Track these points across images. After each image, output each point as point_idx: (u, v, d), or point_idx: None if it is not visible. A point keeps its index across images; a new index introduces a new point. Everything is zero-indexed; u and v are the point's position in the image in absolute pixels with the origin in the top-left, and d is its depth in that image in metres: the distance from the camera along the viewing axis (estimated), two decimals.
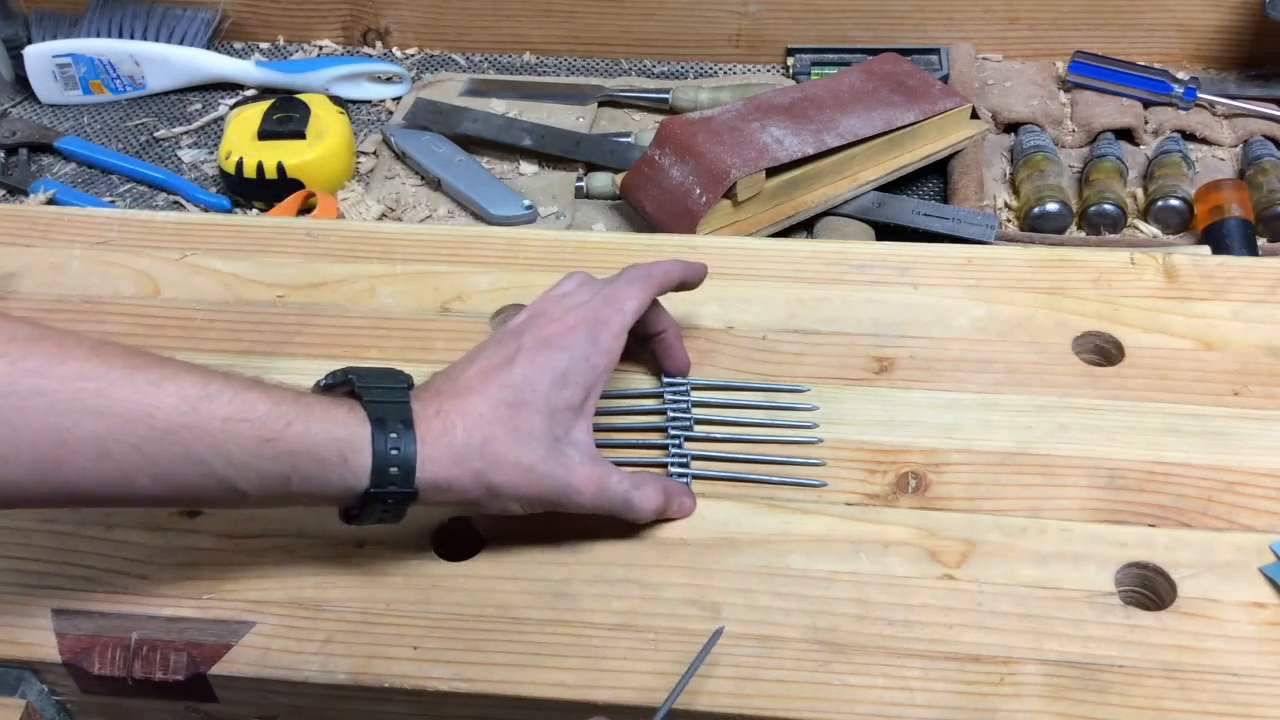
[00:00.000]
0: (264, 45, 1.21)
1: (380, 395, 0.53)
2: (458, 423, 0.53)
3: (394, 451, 0.51)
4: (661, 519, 0.59)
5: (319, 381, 0.56)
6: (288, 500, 0.52)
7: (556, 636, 0.54)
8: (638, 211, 0.93)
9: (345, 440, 0.51)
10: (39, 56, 1.11)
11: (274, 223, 0.81)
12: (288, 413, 0.50)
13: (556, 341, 0.57)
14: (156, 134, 1.09)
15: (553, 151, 1.02)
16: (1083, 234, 0.93)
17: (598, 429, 0.64)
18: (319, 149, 0.99)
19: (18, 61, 1.13)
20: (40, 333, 0.49)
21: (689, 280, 0.64)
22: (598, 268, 0.74)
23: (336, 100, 1.08)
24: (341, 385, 0.55)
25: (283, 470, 0.51)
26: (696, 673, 0.51)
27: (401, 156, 1.04)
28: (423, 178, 1.02)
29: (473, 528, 0.60)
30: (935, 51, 1.09)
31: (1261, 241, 0.90)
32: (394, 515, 0.54)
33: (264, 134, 0.99)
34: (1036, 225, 0.92)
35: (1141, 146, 1.01)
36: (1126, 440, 0.62)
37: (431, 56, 1.18)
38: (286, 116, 1.00)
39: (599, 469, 0.56)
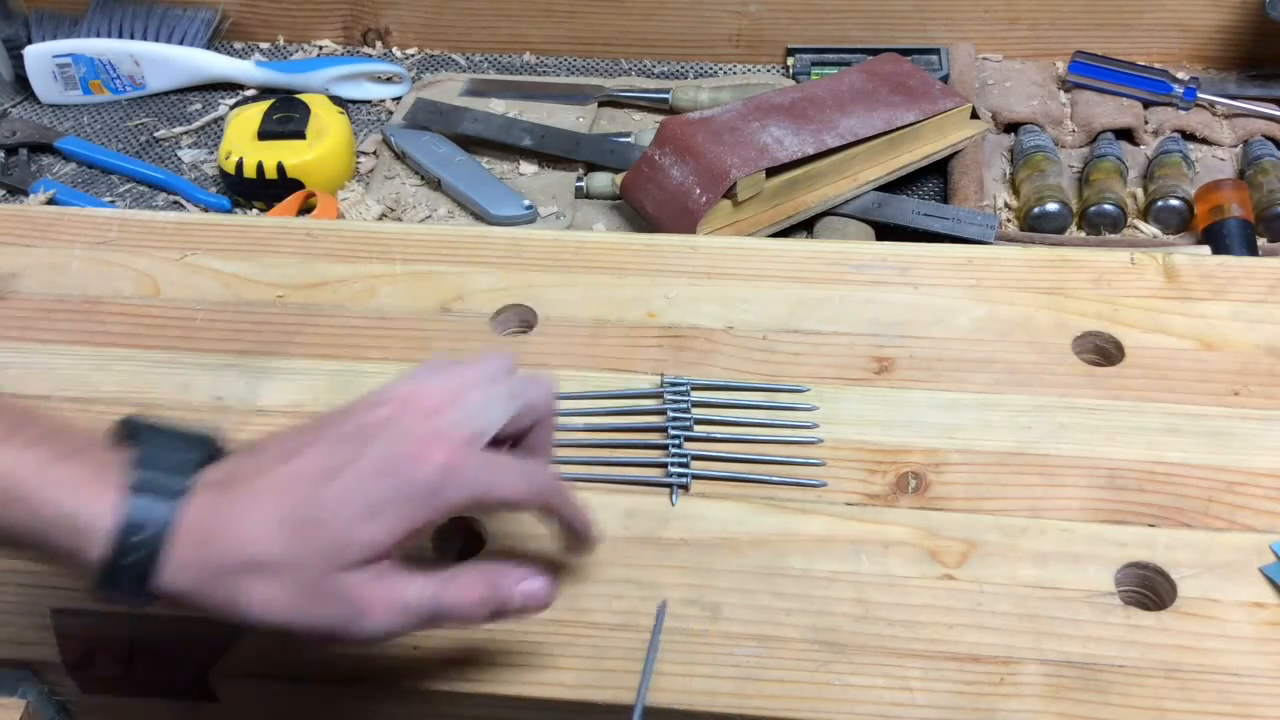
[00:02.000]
0: (264, 45, 1.21)
1: (154, 471, 0.45)
2: (225, 535, 0.45)
3: (132, 549, 0.43)
4: (498, 616, 0.48)
5: (115, 422, 0.48)
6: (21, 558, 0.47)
7: (557, 636, 0.54)
8: (638, 211, 0.93)
9: (78, 522, 0.43)
10: (39, 56, 1.11)
11: (274, 223, 0.81)
12: (14, 479, 0.43)
13: (395, 464, 0.46)
14: (156, 134, 1.09)
15: (553, 151, 1.02)
16: (1083, 234, 0.93)
17: (598, 429, 0.65)
18: (319, 149, 0.99)
19: (18, 61, 1.13)
20: None
21: (576, 535, 0.53)
22: (598, 267, 0.74)
23: (336, 100, 1.08)
24: (129, 438, 0.47)
25: (6, 538, 0.44)
26: (657, 659, 0.51)
27: (401, 156, 1.04)
28: (423, 178, 1.02)
29: (473, 528, 0.60)
30: (935, 51, 1.09)
31: (1261, 241, 0.90)
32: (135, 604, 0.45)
33: (264, 134, 0.99)
34: (1036, 225, 0.92)
35: (1141, 146, 1.01)
36: (1126, 440, 0.62)
37: (431, 56, 1.18)
38: (286, 116, 1.00)
39: (388, 584, 0.46)
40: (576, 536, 0.53)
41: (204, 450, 0.47)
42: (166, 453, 0.46)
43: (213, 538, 0.44)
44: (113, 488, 0.44)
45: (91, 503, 0.44)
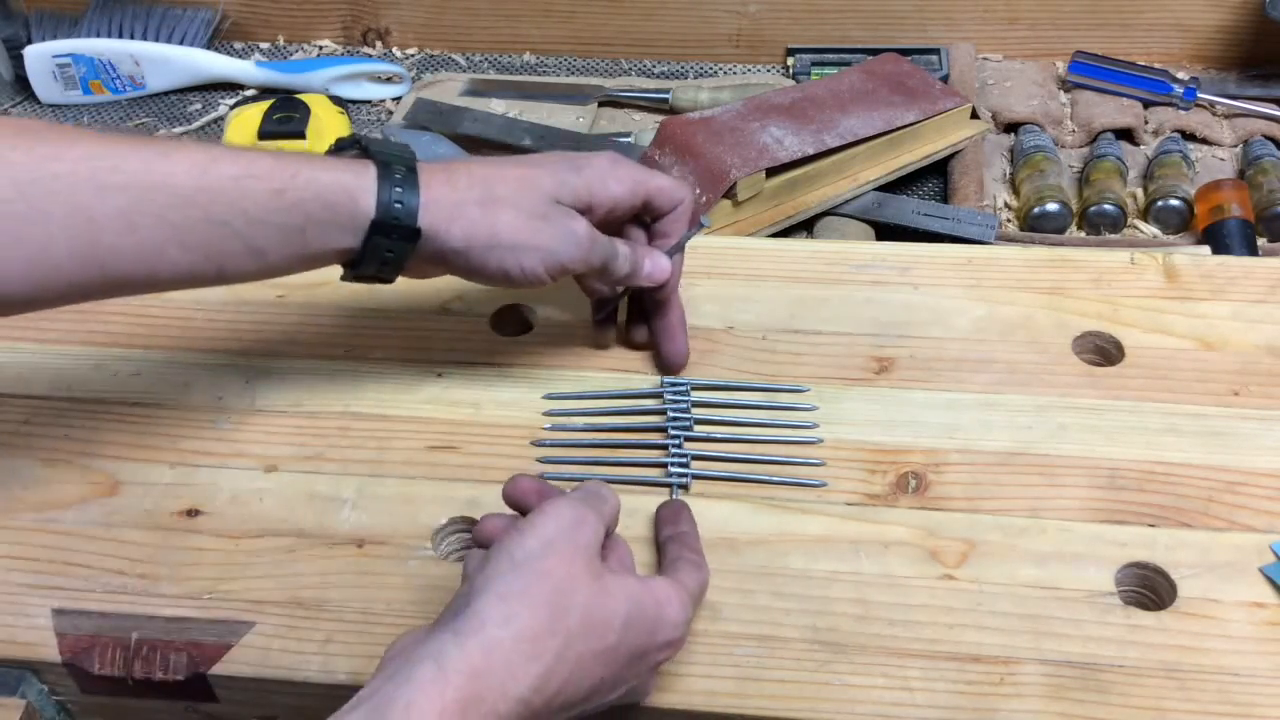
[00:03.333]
0: (264, 45, 1.21)
1: (387, 151, 0.57)
2: (462, 178, 0.57)
3: (398, 189, 0.55)
4: (633, 277, 0.63)
5: (330, 145, 0.60)
6: (305, 258, 0.56)
7: None
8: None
9: (352, 182, 0.55)
10: (39, 56, 1.11)
11: None
12: (292, 165, 0.54)
13: (586, 158, 0.62)
14: (157, 134, 1.09)
15: None
16: (1083, 234, 0.93)
17: (598, 429, 0.65)
18: (319, 149, 0.99)
19: (18, 61, 1.12)
20: (45, 124, 0.53)
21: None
22: None
23: (336, 100, 1.07)
24: (351, 148, 0.58)
25: (296, 220, 0.54)
26: None
27: None
28: (408, 149, 1.01)
29: (473, 528, 0.60)
30: (935, 51, 1.09)
31: (1261, 241, 0.90)
32: (395, 259, 0.57)
33: (264, 134, 0.99)
34: (1036, 225, 0.92)
35: (1141, 146, 1.01)
36: (1126, 440, 0.62)
37: (431, 56, 1.18)
38: (286, 116, 1.00)
39: (590, 230, 0.60)
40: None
41: (413, 151, 0.59)
42: (389, 144, 0.58)
43: (453, 182, 0.57)
44: (364, 164, 0.56)
45: (353, 169, 0.56)
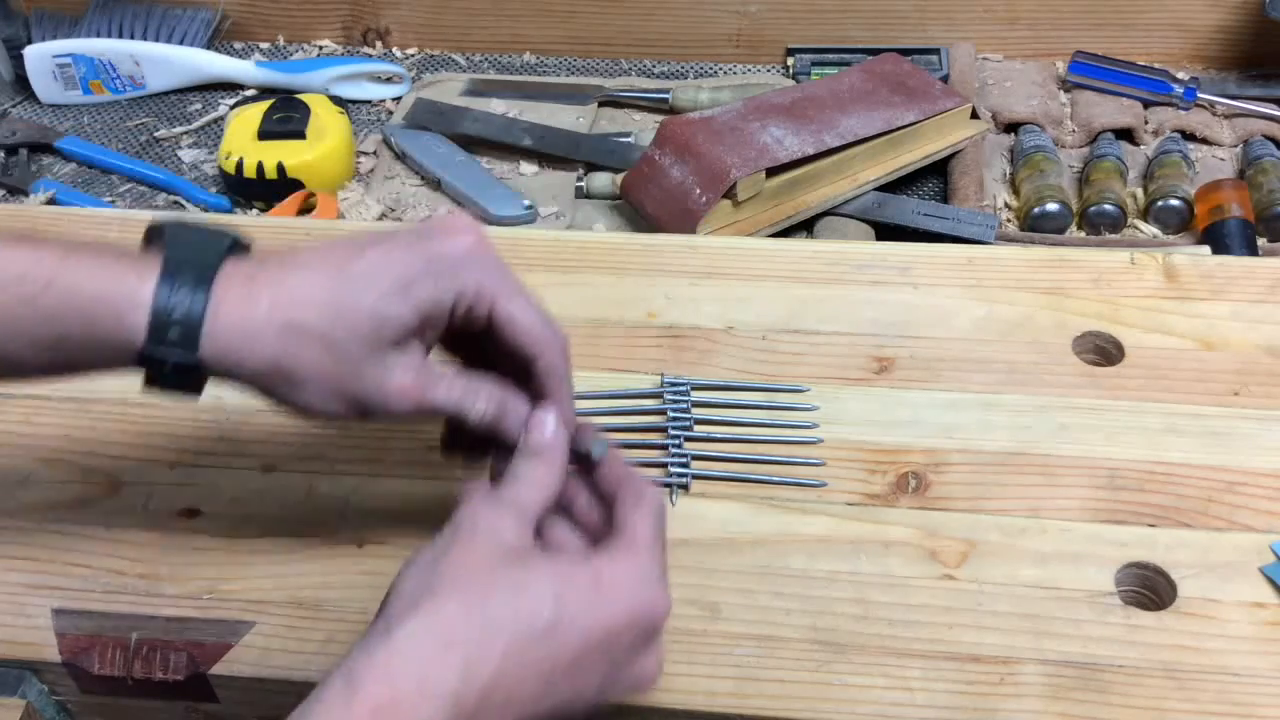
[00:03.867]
0: (264, 45, 1.21)
1: (187, 251, 0.47)
2: (265, 296, 0.46)
3: (175, 312, 0.45)
4: (497, 429, 0.50)
5: (146, 231, 0.49)
6: (73, 366, 0.48)
7: None
8: (638, 212, 0.93)
9: (118, 299, 0.45)
10: (39, 56, 1.11)
11: (274, 223, 0.81)
12: (51, 269, 0.45)
13: (427, 245, 0.49)
14: (156, 134, 1.09)
15: (553, 151, 1.02)
16: (1083, 234, 0.93)
17: (597, 429, 0.64)
18: (319, 149, 0.99)
19: (18, 61, 1.13)
20: None
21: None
22: (598, 267, 0.74)
23: (336, 100, 1.08)
24: (156, 234, 0.48)
25: (51, 333, 0.46)
26: None
27: (401, 156, 1.04)
28: (423, 178, 1.02)
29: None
30: (935, 51, 1.09)
31: (1261, 241, 0.90)
32: (186, 386, 0.48)
33: (264, 134, 0.99)
34: (1036, 225, 0.92)
35: (1141, 146, 1.01)
36: (1126, 440, 0.62)
37: (431, 56, 1.18)
38: (286, 116, 1.00)
39: (423, 376, 0.49)
40: (548, 384, 0.52)
41: (231, 239, 0.49)
42: (196, 235, 0.48)
43: (252, 299, 0.46)
44: (147, 266, 0.46)
45: (128, 279, 0.46)
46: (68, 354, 0.47)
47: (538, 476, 0.48)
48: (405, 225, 0.50)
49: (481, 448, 0.53)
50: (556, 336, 0.51)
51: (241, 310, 0.46)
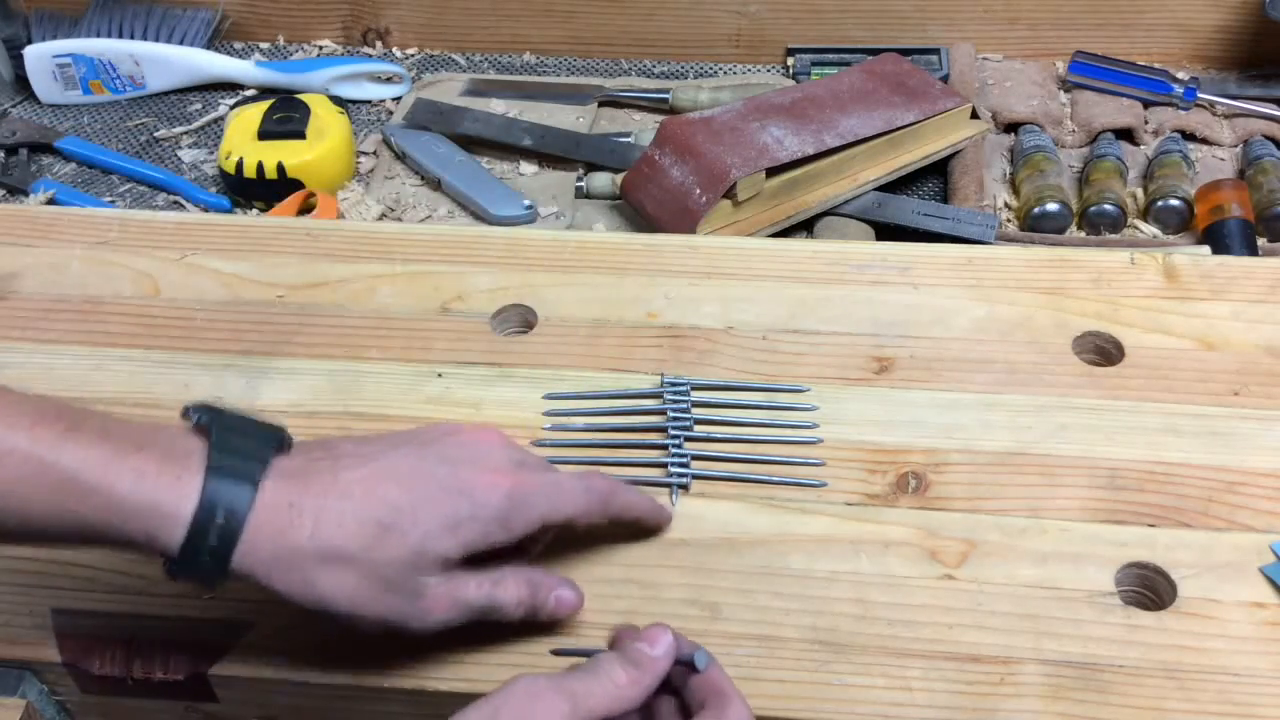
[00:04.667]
0: (264, 45, 1.21)
1: (230, 458, 0.46)
2: (307, 524, 0.46)
3: (210, 536, 0.45)
4: (533, 615, 0.52)
5: (186, 408, 0.49)
6: (97, 548, 0.48)
7: (557, 636, 0.54)
8: (638, 212, 0.93)
9: (157, 509, 0.45)
10: (39, 56, 1.11)
11: (274, 223, 0.81)
12: (91, 481, 0.45)
13: (469, 487, 0.49)
14: (156, 134, 1.09)
15: (553, 151, 1.02)
16: (1083, 234, 0.93)
17: (598, 429, 0.64)
18: (319, 149, 0.99)
19: (18, 61, 1.12)
20: None
21: (647, 521, 0.57)
22: (598, 267, 0.74)
23: (336, 100, 1.07)
24: (198, 427, 0.48)
25: (87, 532, 0.46)
26: None
27: (401, 156, 1.04)
28: (423, 178, 1.02)
29: None
30: (935, 51, 1.09)
31: (1261, 241, 0.90)
32: (206, 585, 0.47)
33: (264, 134, 0.99)
34: (1036, 225, 0.92)
35: (1141, 146, 1.01)
36: (1126, 440, 0.62)
37: (431, 56, 1.18)
38: (286, 116, 1.00)
39: (452, 584, 0.49)
40: (649, 523, 0.58)
41: (277, 438, 0.49)
42: (240, 439, 0.47)
43: (293, 524, 0.46)
44: (191, 473, 0.45)
45: (170, 489, 0.45)
46: (94, 544, 0.47)
47: (618, 684, 0.46)
48: (430, 432, 0.52)
49: None
50: (607, 499, 0.54)
51: (277, 541, 0.46)
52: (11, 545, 0.51)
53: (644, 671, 0.45)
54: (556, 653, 0.53)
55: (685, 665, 0.48)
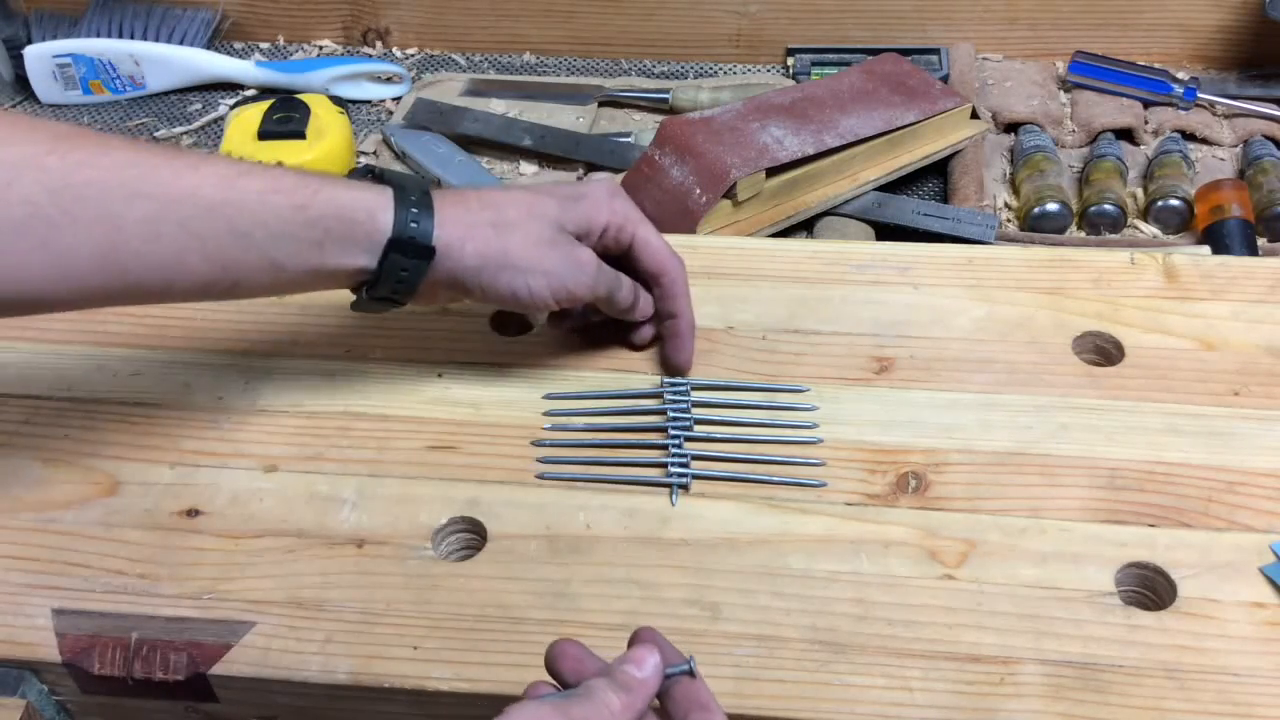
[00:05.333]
0: (264, 45, 1.21)
1: (402, 177, 0.60)
2: (474, 201, 0.60)
3: (414, 209, 0.57)
4: (629, 314, 0.65)
5: (347, 173, 0.63)
6: (319, 275, 0.57)
7: (557, 637, 0.54)
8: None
9: (371, 201, 0.57)
10: (39, 56, 1.11)
11: None
12: (314, 182, 0.56)
13: (581, 189, 0.64)
14: (156, 134, 1.09)
15: (553, 151, 1.02)
16: (1083, 234, 0.93)
17: (598, 429, 0.65)
18: (319, 149, 0.99)
19: (18, 61, 1.12)
20: (80, 130, 0.54)
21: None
22: None
23: (336, 100, 1.07)
24: (365, 175, 0.61)
25: (316, 235, 0.55)
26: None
27: (401, 156, 1.04)
28: (422, 178, 1.02)
29: (474, 528, 0.60)
30: (935, 51, 1.09)
31: (1261, 241, 0.90)
32: (410, 278, 0.58)
33: (264, 134, 0.99)
34: (1036, 225, 0.92)
35: (1141, 146, 1.01)
36: (1126, 440, 0.62)
37: (431, 56, 1.18)
38: (286, 116, 1.00)
39: (595, 258, 0.62)
40: (679, 329, 0.67)
41: (430, 180, 0.63)
42: (402, 175, 0.63)
43: (465, 204, 0.60)
44: (380, 187, 0.58)
45: (372, 190, 0.58)
46: (324, 258, 0.56)
47: (613, 711, 0.45)
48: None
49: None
50: (679, 260, 0.66)
51: (459, 210, 0.59)
52: (262, 286, 0.57)
53: (635, 695, 0.45)
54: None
55: (678, 675, 0.48)
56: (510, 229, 0.60)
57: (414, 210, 0.57)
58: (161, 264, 0.53)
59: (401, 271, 0.58)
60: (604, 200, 0.63)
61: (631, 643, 0.48)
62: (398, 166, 1.03)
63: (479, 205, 0.60)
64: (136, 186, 0.52)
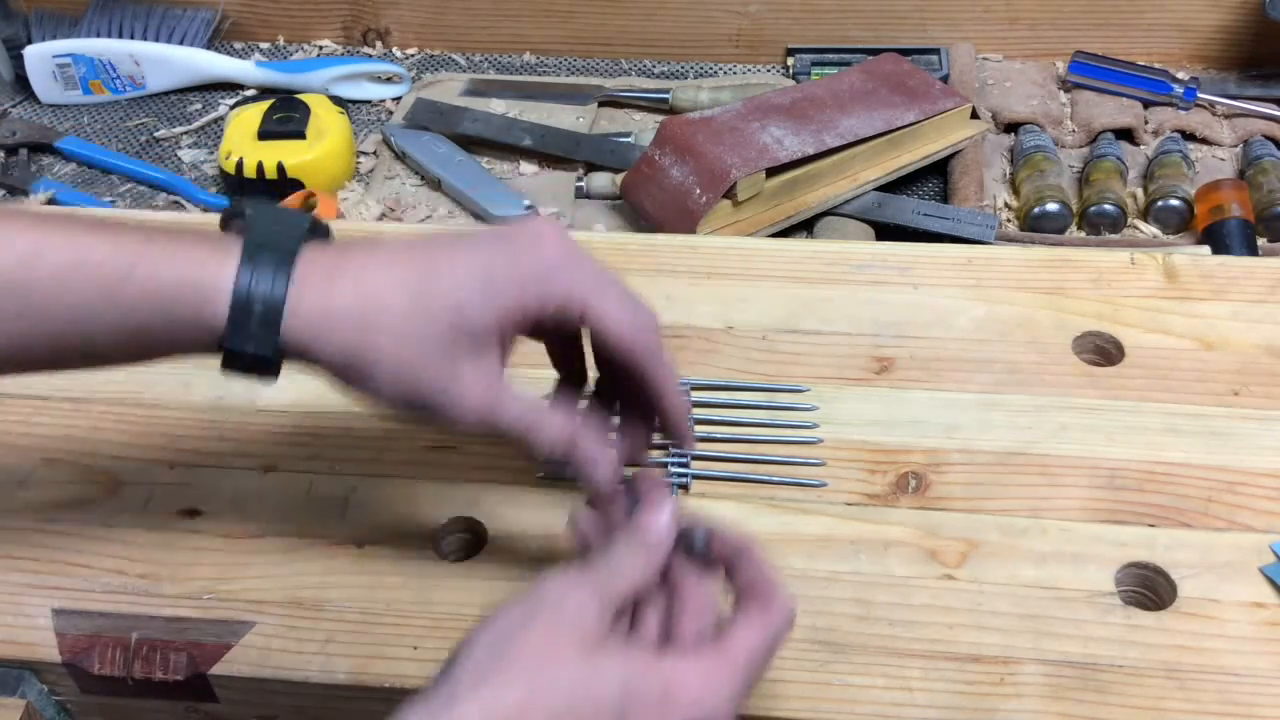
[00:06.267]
0: (264, 45, 1.21)
1: (267, 236, 0.46)
2: (348, 287, 0.46)
3: (255, 302, 0.45)
4: (568, 464, 0.50)
5: (223, 212, 0.50)
6: (152, 354, 0.48)
7: None
8: (638, 212, 0.93)
9: (201, 284, 0.46)
10: (39, 56, 1.11)
11: None
12: (131, 256, 0.46)
13: (515, 250, 0.48)
14: (156, 134, 1.09)
15: (553, 151, 1.02)
16: (1083, 234, 0.93)
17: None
18: (319, 149, 0.99)
19: (18, 61, 1.12)
20: None
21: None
22: None
23: (336, 100, 1.07)
24: (235, 218, 0.48)
25: (131, 324, 0.46)
26: None
27: (401, 156, 1.04)
28: (423, 178, 1.02)
29: (474, 528, 0.60)
30: (935, 51, 1.09)
31: (1261, 241, 0.90)
32: (263, 372, 0.47)
33: (264, 134, 0.99)
34: (1036, 225, 0.92)
35: (1141, 146, 1.01)
36: (1126, 440, 0.62)
37: (431, 56, 1.18)
38: (286, 116, 1.00)
39: (495, 390, 0.48)
40: (665, 410, 0.51)
41: (310, 221, 0.48)
42: (275, 218, 0.48)
43: (334, 292, 0.46)
44: (229, 250, 0.46)
45: (209, 264, 0.46)
46: (147, 343, 0.47)
47: (632, 568, 0.45)
48: (485, 228, 0.48)
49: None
50: (650, 338, 0.49)
51: (322, 301, 0.46)
52: (76, 368, 0.50)
53: (654, 551, 0.46)
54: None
55: (683, 538, 0.47)
56: (381, 332, 0.46)
57: (257, 302, 0.45)
58: None
59: (244, 364, 0.47)
60: (538, 276, 0.47)
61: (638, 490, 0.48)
62: (398, 166, 1.03)
63: (351, 291, 0.46)
64: None
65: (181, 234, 0.47)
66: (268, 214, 0.48)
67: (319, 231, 0.49)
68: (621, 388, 0.52)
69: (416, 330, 0.46)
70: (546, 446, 0.49)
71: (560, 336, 0.52)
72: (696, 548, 0.47)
